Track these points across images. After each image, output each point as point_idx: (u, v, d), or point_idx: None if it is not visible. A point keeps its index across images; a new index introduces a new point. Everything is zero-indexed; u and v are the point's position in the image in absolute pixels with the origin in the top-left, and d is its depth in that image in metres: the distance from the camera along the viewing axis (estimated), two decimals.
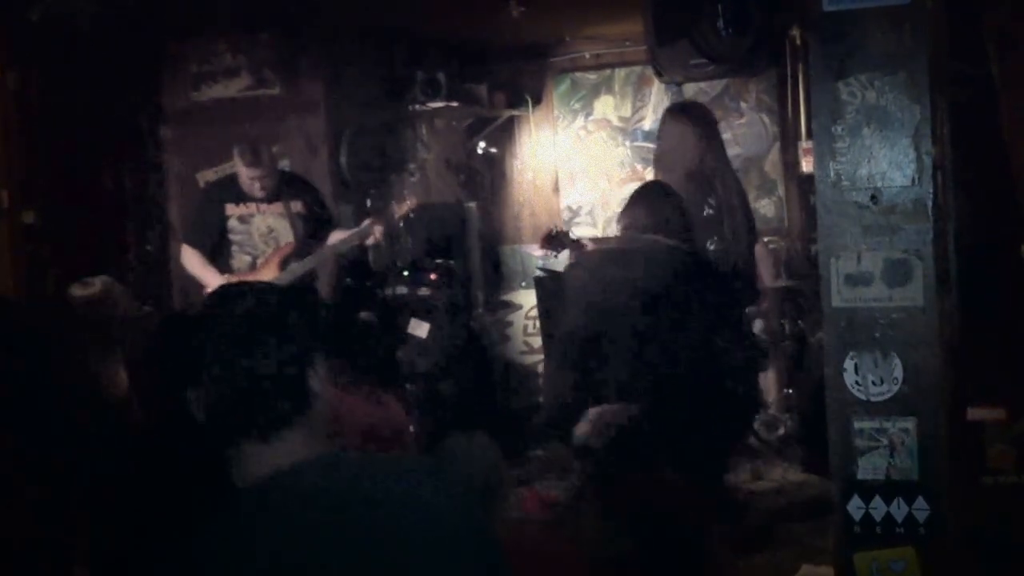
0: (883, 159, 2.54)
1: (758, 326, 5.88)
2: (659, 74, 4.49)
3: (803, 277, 6.40)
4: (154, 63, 6.36)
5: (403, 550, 1.61)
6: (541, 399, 5.90)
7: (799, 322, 6.39)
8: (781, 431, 6.33)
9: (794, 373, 6.41)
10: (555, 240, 5.17)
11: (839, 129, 2.55)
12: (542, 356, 6.98)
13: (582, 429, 3.55)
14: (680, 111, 5.34)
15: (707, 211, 4.87)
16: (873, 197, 2.54)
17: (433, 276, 6.30)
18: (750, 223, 5.21)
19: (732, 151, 6.95)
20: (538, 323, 7.05)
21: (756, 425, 5.98)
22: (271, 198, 5.49)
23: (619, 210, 4.94)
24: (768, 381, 6.29)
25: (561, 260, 7.35)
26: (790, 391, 6.41)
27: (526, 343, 7.41)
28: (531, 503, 5.71)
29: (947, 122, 2.70)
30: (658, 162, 5.25)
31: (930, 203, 2.52)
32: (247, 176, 5.42)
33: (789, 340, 6.45)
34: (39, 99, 5.59)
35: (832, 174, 2.56)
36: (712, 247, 4.93)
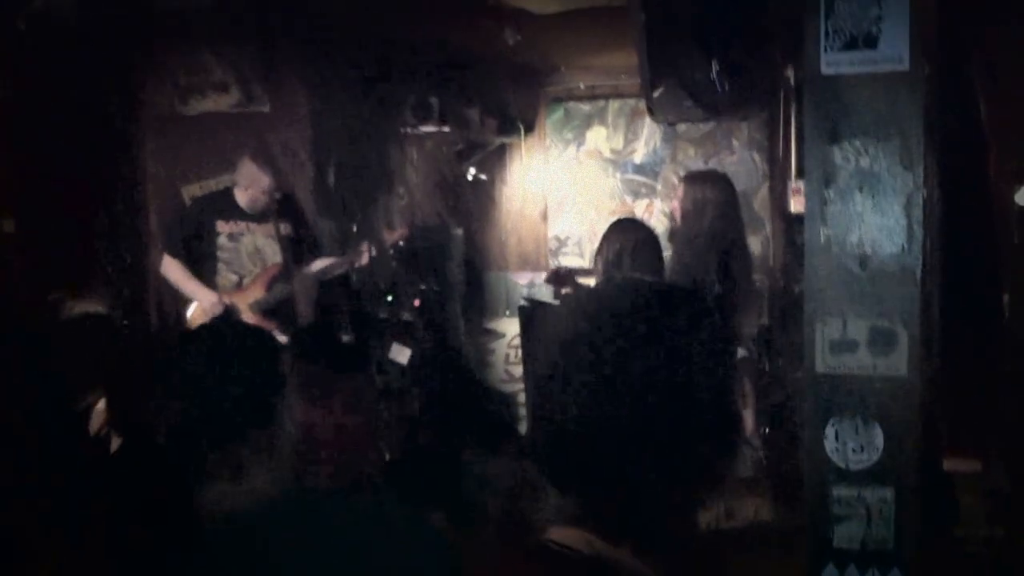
0: (874, 225, 2.51)
1: (740, 353, 5.86)
2: (652, 113, 4.47)
3: (785, 316, 6.39)
4: (139, 73, 6.32)
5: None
6: (524, 430, 5.86)
7: (779, 360, 6.37)
8: (755, 470, 6.32)
9: (771, 411, 6.40)
10: (562, 278, 5.15)
11: (831, 193, 2.53)
12: (522, 385, 6.97)
13: None
14: (702, 179, 5.27)
15: (716, 289, 4.86)
16: (862, 263, 2.51)
17: (416, 302, 6.26)
18: (749, 278, 5.20)
19: None
20: (520, 352, 7.02)
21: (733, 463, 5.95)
22: (262, 217, 5.45)
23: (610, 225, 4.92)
24: (746, 418, 6.28)
25: (546, 291, 7.36)
26: (766, 430, 6.39)
27: (507, 371, 7.38)
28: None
29: (938, 186, 2.68)
30: (674, 233, 5.22)
31: (919, 272, 2.50)
32: (261, 188, 5.35)
33: (768, 378, 6.43)
34: (21, 106, 5.53)
35: (822, 238, 2.53)
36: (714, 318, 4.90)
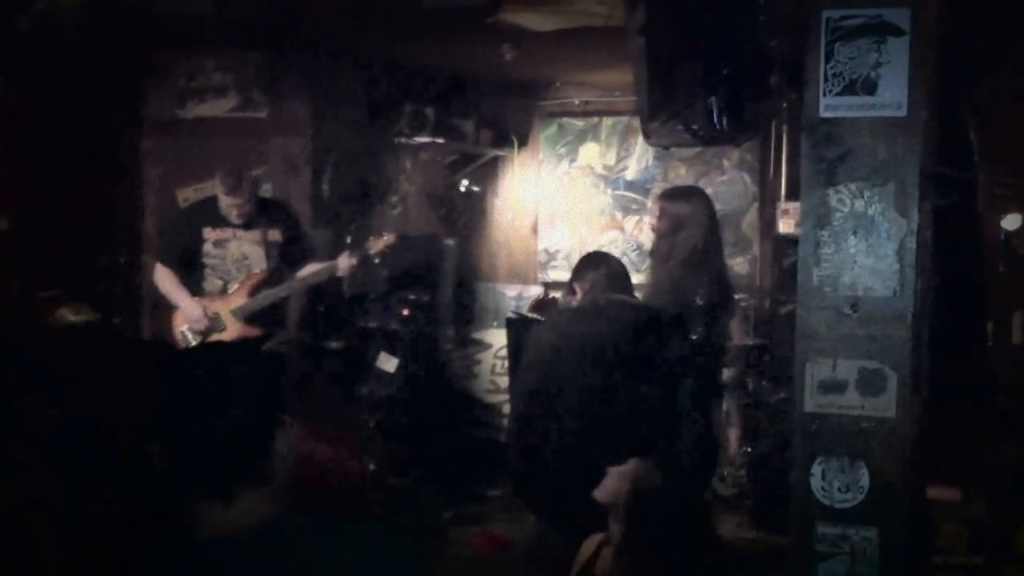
0: (866, 268, 2.55)
1: (725, 374, 5.89)
2: (647, 137, 4.49)
3: (770, 336, 6.42)
4: (139, 76, 6.32)
5: None
6: (505, 439, 5.88)
7: (763, 381, 6.41)
8: (737, 488, 6.36)
9: (753, 431, 6.43)
10: (548, 306, 5.16)
11: (825, 235, 2.56)
12: (507, 396, 6.99)
13: (608, 489, 3.51)
14: (677, 197, 5.22)
15: (698, 301, 4.85)
16: (854, 305, 2.55)
17: (405, 311, 6.27)
18: (729, 306, 5.19)
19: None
20: (507, 363, 7.05)
21: (713, 481, 5.99)
22: (248, 224, 5.46)
23: (580, 260, 4.92)
24: (729, 437, 6.32)
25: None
26: (749, 449, 6.43)
27: (493, 382, 7.40)
28: (484, 542, 5.70)
29: (930, 228, 2.72)
30: (653, 254, 5.19)
31: (910, 316, 2.54)
32: (225, 202, 5.39)
33: (752, 398, 6.47)
34: (19, 106, 5.53)
35: (815, 279, 2.57)
36: (695, 336, 4.92)
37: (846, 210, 2.56)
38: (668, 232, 4.98)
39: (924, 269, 2.61)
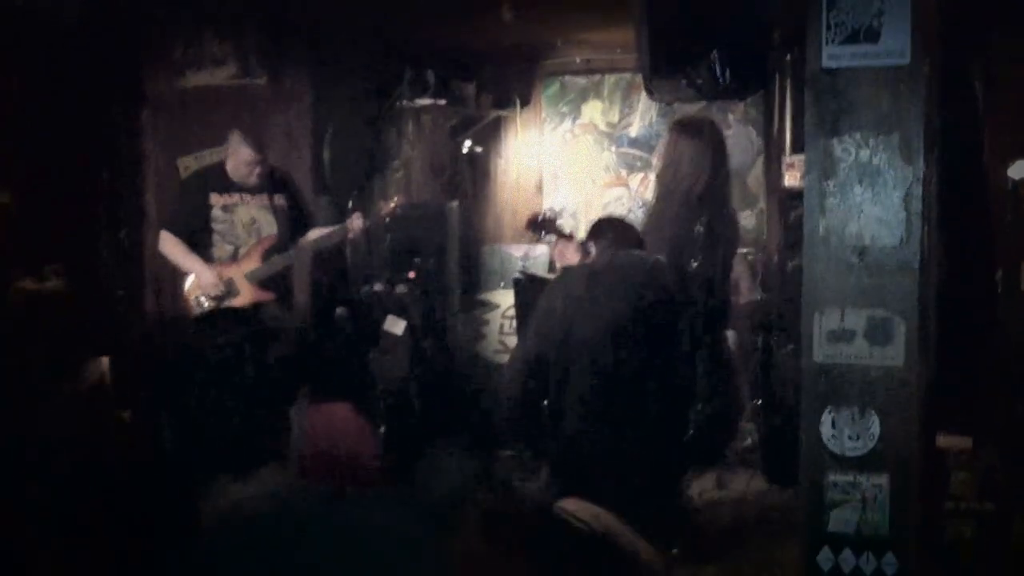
0: (872, 218, 2.54)
1: (731, 338, 5.89)
2: (650, 93, 4.48)
3: (778, 291, 6.42)
4: (137, 47, 6.29)
5: None
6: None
7: (771, 335, 6.41)
8: (748, 441, 6.37)
9: (763, 385, 6.44)
10: (542, 224, 5.05)
11: (831, 186, 2.55)
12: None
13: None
14: (689, 127, 5.13)
15: (698, 228, 4.81)
16: (861, 255, 2.54)
17: (412, 274, 6.27)
18: (734, 243, 5.16)
19: None
20: (514, 323, 7.06)
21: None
22: (257, 189, 5.46)
23: (595, 223, 4.89)
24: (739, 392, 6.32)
25: (539, 263, 7.39)
26: (759, 402, 6.44)
27: (501, 342, 7.42)
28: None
29: (936, 177, 2.71)
30: (660, 177, 5.11)
31: (917, 264, 2.53)
32: (246, 160, 5.36)
33: (760, 352, 6.47)
34: (18, 81, 5.52)
35: (821, 230, 2.56)
36: (695, 264, 4.91)
37: (851, 160, 2.55)
38: (676, 159, 4.92)
39: (930, 217, 2.61)
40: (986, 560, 3.83)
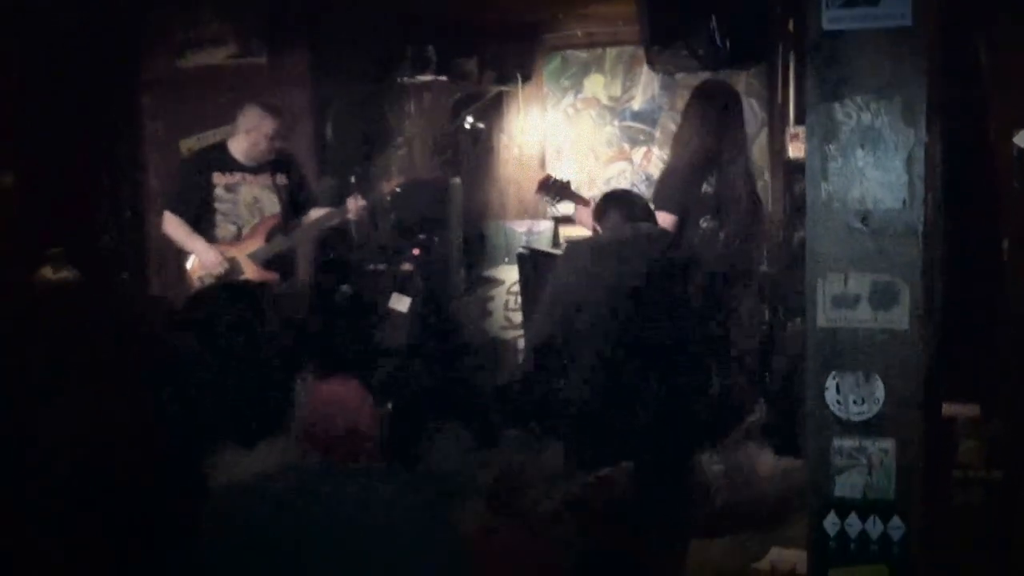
0: (875, 182, 2.53)
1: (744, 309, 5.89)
2: (651, 64, 4.46)
3: (784, 263, 6.41)
4: (137, 27, 6.28)
5: (375, 554, 1.63)
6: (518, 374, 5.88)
7: (777, 308, 6.40)
8: (756, 415, 6.37)
9: (770, 358, 6.44)
10: (553, 187, 5.06)
11: (832, 149, 2.54)
12: (522, 332, 7.01)
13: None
14: (705, 91, 5.13)
15: (705, 188, 4.84)
16: (864, 219, 2.53)
17: (416, 251, 6.27)
18: (756, 209, 5.15)
19: None
20: (519, 299, 7.06)
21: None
22: (259, 168, 5.46)
23: (601, 197, 4.88)
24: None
25: (543, 239, 7.38)
26: (766, 375, 6.44)
27: (507, 318, 7.43)
28: None
29: (940, 141, 2.69)
30: (676, 138, 5.15)
31: (920, 228, 2.52)
32: (267, 134, 5.35)
33: (766, 325, 6.46)
34: (19, 61, 5.51)
35: (823, 194, 2.55)
36: (704, 224, 4.91)
37: (852, 123, 2.53)
38: (692, 119, 4.95)
39: (934, 181, 2.59)
40: (994, 529, 3.83)
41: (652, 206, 4.77)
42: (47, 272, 4.84)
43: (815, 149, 2.56)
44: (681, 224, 4.86)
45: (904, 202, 2.53)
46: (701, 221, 4.90)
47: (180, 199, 5.55)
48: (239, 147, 5.42)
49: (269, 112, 5.37)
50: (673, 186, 4.88)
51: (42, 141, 5.65)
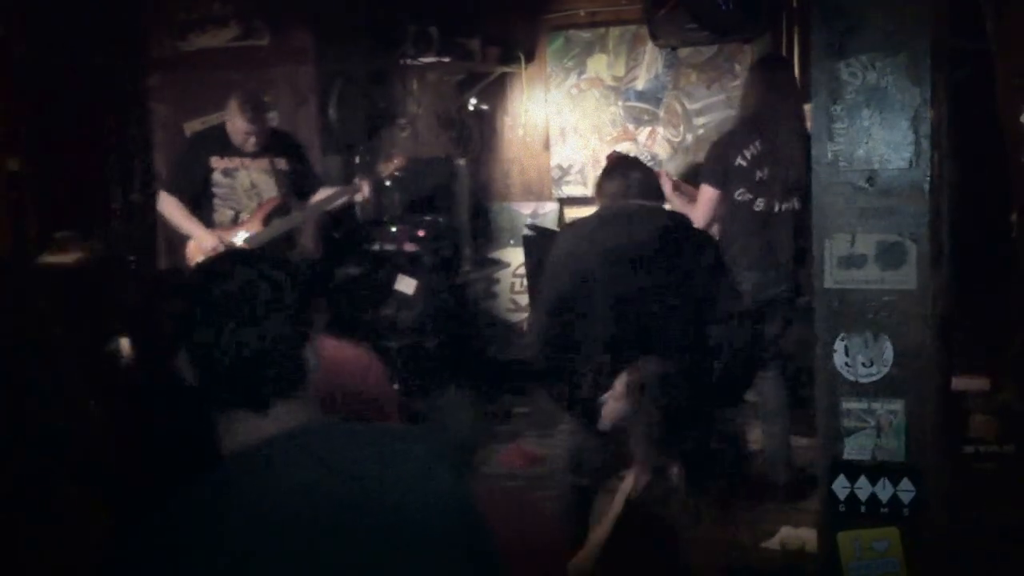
0: (881, 141, 2.52)
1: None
2: (655, 37, 4.44)
3: None
4: (140, 10, 6.27)
5: (392, 517, 1.62)
6: (528, 354, 5.87)
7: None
8: None
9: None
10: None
11: (838, 109, 2.53)
12: (528, 314, 7.00)
13: (611, 409, 3.54)
14: (765, 61, 5.31)
15: (739, 161, 4.87)
16: (870, 179, 2.52)
17: (421, 232, 6.25)
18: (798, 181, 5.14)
19: (725, 112, 6.93)
20: (525, 281, 7.05)
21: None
22: (258, 153, 5.43)
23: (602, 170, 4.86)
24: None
25: (548, 221, 7.37)
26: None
27: (513, 300, 7.42)
28: (514, 458, 5.75)
29: (945, 101, 2.68)
30: (742, 106, 5.19)
31: (927, 186, 2.51)
32: (243, 129, 5.33)
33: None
34: (24, 45, 5.50)
35: (829, 154, 2.54)
36: (739, 198, 4.92)
37: (858, 83, 2.52)
38: (759, 87, 5.00)
39: (940, 140, 2.58)
40: (1007, 501, 3.81)
41: (691, 180, 4.84)
42: (54, 255, 4.84)
43: (820, 109, 2.55)
44: (721, 198, 4.92)
45: (911, 161, 2.52)
46: (736, 194, 4.92)
47: (177, 180, 5.52)
48: (232, 135, 5.40)
49: (243, 109, 5.29)
50: (719, 157, 4.94)
51: (48, 125, 5.65)
